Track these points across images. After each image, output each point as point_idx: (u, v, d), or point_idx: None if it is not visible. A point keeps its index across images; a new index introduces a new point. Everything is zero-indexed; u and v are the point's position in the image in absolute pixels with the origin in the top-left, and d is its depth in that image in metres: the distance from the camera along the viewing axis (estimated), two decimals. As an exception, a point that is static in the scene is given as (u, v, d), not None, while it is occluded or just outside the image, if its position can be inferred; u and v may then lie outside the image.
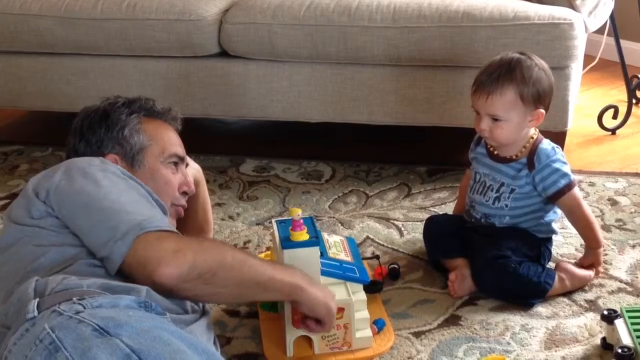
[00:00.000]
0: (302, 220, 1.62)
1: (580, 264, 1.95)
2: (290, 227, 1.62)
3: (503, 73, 1.84)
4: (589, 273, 1.92)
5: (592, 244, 1.95)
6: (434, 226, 2.06)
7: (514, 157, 1.93)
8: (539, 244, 1.95)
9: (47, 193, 1.44)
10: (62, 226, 1.43)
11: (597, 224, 1.96)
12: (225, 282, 1.39)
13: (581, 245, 2.05)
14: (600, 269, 1.97)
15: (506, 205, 1.93)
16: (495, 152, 1.96)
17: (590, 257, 1.95)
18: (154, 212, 1.45)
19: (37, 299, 1.24)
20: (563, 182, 1.89)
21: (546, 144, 1.92)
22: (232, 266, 1.40)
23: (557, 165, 1.89)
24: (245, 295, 1.49)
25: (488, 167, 1.97)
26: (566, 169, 1.91)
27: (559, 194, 1.89)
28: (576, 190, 1.91)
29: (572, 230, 2.03)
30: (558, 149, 1.93)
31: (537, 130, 1.94)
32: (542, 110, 1.87)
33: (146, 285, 1.32)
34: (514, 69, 1.84)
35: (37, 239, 1.41)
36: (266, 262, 1.51)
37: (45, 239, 1.41)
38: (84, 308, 1.19)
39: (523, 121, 1.87)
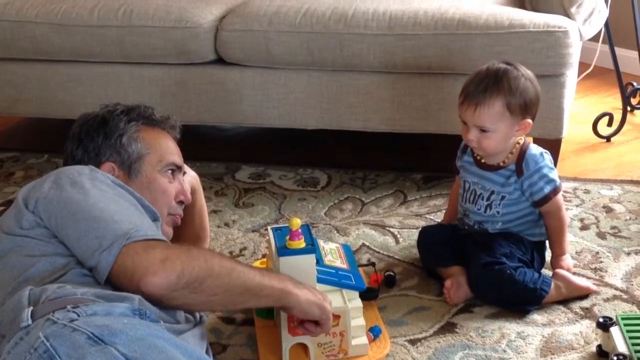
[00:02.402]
0: (300, 231, 1.62)
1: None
2: (287, 237, 1.62)
3: (490, 84, 1.84)
4: (587, 284, 1.92)
5: (559, 250, 1.97)
6: (428, 236, 2.06)
7: (501, 164, 1.94)
8: (532, 248, 1.96)
9: (35, 203, 1.44)
10: (51, 236, 1.42)
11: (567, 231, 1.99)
12: (213, 290, 1.39)
13: (576, 252, 2.06)
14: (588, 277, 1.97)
15: (498, 212, 1.94)
16: (483, 160, 1.96)
17: (559, 264, 1.95)
18: (142, 221, 1.44)
19: (31, 308, 1.23)
20: (549, 187, 1.90)
21: (534, 149, 1.93)
22: (220, 274, 1.39)
23: (544, 171, 1.90)
24: (235, 302, 1.48)
25: (476, 175, 1.97)
26: (553, 174, 1.92)
27: (544, 200, 1.91)
28: (559, 195, 1.93)
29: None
30: (546, 155, 1.94)
31: (524, 135, 1.95)
32: (530, 120, 1.88)
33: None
34: (501, 80, 1.84)
35: (27, 249, 1.41)
36: (254, 269, 1.50)
37: (35, 249, 1.40)
38: (79, 316, 1.19)
39: (510, 131, 1.88)
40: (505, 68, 1.87)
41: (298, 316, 1.54)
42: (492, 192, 1.94)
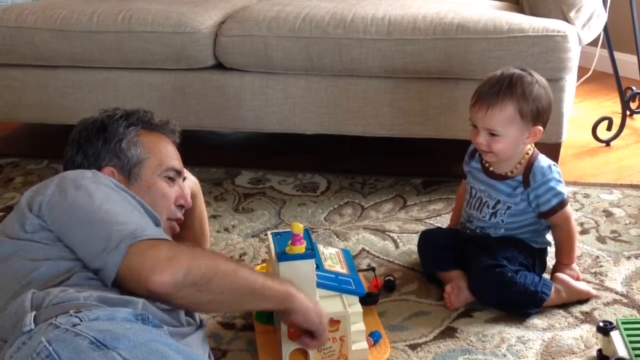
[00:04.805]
0: (302, 235, 1.62)
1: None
2: (289, 241, 1.62)
3: (504, 88, 1.83)
4: (587, 289, 1.92)
5: (567, 260, 1.96)
6: (428, 240, 2.06)
7: (509, 173, 1.93)
8: (534, 253, 1.95)
9: (39, 206, 1.44)
10: (55, 239, 1.42)
11: (577, 241, 1.98)
12: (219, 289, 1.39)
13: (577, 257, 2.06)
14: (593, 280, 1.97)
15: (502, 221, 1.94)
16: (491, 169, 1.96)
17: (565, 272, 1.94)
18: (146, 221, 1.45)
19: (34, 312, 1.23)
20: (555, 200, 1.89)
21: (543, 161, 1.91)
22: (226, 273, 1.40)
23: (551, 184, 1.89)
24: (240, 302, 1.49)
25: (484, 183, 1.96)
26: (560, 187, 1.91)
27: (551, 212, 1.91)
28: (568, 207, 1.92)
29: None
30: (554, 167, 1.92)
31: (533, 145, 1.94)
32: (540, 127, 1.87)
33: (141, 295, 1.32)
34: (515, 84, 1.83)
35: (30, 253, 1.41)
36: (257, 271, 1.52)
37: (39, 253, 1.40)
38: (81, 321, 1.19)
39: (520, 137, 1.86)
40: (519, 73, 1.86)
41: (297, 321, 1.54)
42: (498, 202, 1.93)
